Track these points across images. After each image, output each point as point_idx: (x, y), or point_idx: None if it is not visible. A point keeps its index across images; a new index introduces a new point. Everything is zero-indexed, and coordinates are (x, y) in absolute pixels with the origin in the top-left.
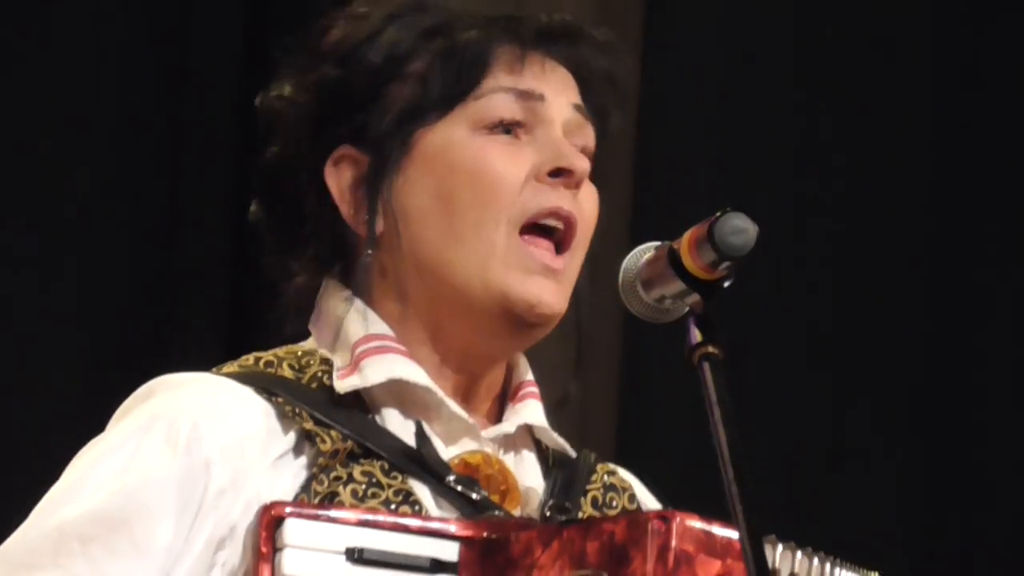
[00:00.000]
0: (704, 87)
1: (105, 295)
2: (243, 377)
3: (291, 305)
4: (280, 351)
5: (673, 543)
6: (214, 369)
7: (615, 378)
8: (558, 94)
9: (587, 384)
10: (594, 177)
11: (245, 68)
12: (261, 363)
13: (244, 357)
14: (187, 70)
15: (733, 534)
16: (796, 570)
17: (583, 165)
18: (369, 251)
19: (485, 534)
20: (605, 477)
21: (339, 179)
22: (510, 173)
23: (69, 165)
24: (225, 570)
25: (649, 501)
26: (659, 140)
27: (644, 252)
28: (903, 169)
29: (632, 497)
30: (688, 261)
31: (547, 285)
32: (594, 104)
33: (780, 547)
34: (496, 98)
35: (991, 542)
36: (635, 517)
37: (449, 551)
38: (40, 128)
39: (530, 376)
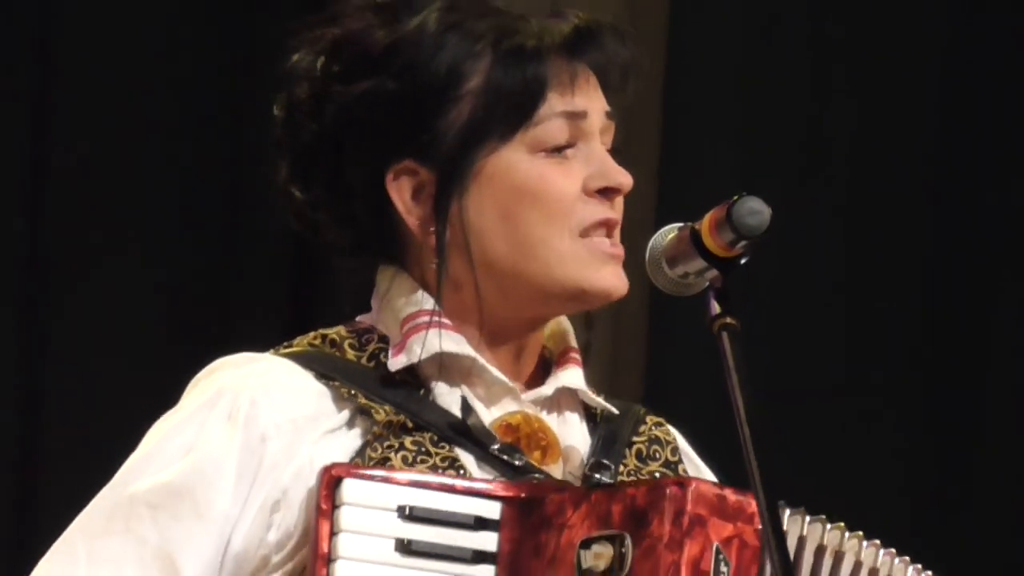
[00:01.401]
0: (725, 80)
1: (179, 276)
2: (304, 359)
3: (350, 289)
4: (343, 329)
5: (688, 507)
6: (284, 345)
7: (643, 348)
8: (595, 105)
9: (617, 354)
10: (621, 160)
11: None
12: (326, 342)
13: (312, 334)
14: (250, 69)
15: (745, 499)
16: (804, 534)
17: (627, 180)
18: (436, 261)
19: (523, 495)
20: (653, 429)
21: (401, 192)
22: (567, 191)
23: (150, 160)
24: (280, 530)
25: (690, 453)
26: (683, 129)
27: (668, 232)
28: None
29: (675, 450)
30: (708, 240)
31: (615, 271)
32: (616, 98)
33: (788, 512)
34: (550, 125)
35: (996, 509)
36: (655, 483)
37: (491, 510)
38: (119, 123)
39: (574, 343)
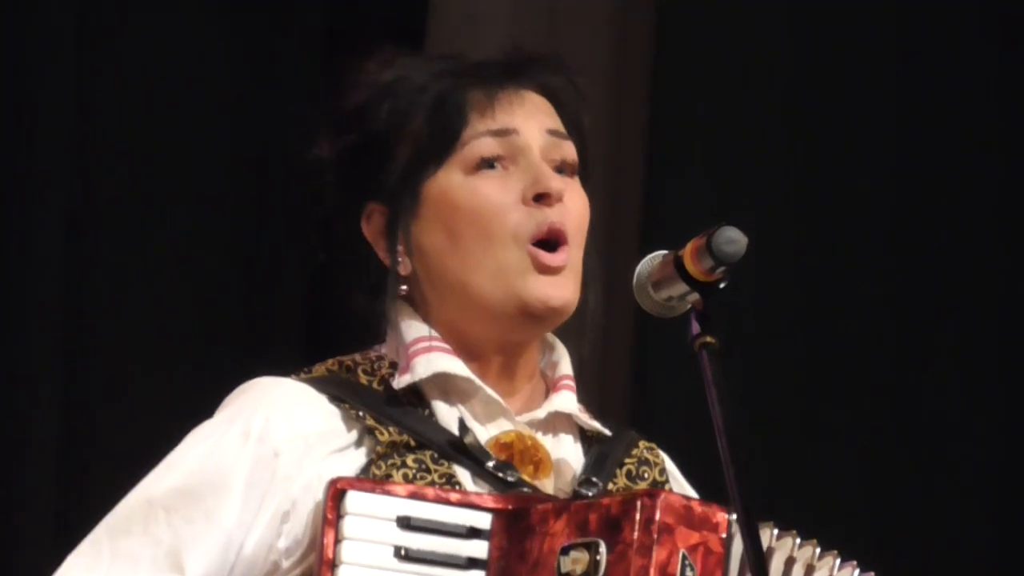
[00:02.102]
0: (704, 119)
1: (210, 295)
2: (319, 383)
3: (361, 320)
4: (359, 356)
5: (657, 516)
6: (303, 371)
7: (628, 366)
8: (529, 123)
9: (605, 373)
10: (584, 180)
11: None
12: (342, 367)
13: (331, 361)
14: (277, 107)
15: (710, 510)
16: (794, 554)
17: (558, 186)
18: (402, 287)
19: (511, 506)
20: (644, 452)
21: (371, 230)
22: (503, 202)
23: (185, 188)
24: (289, 538)
25: (676, 474)
26: (665, 164)
27: (654, 259)
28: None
29: (663, 471)
30: (690, 266)
31: (553, 282)
32: (568, 115)
33: (776, 531)
34: (476, 143)
35: (952, 513)
36: (628, 495)
37: (483, 520)
38: (155, 150)
39: (568, 371)
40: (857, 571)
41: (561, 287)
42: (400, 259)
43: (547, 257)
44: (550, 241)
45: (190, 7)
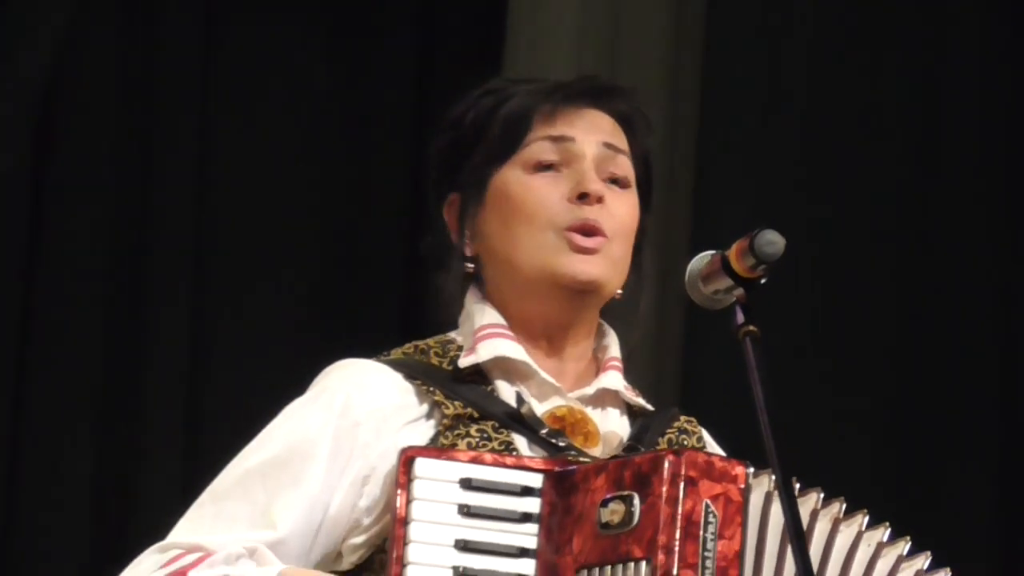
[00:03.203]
0: (745, 140)
1: (315, 291)
2: (395, 364)
3: (444, 304)
4: (432, 340)
5: (682, 471)
6: (384, 353)
7: (680, 352)
8: (588, 135)
9: (660, 358)
10: (645, 199)
11: (419, 117)
12: (416, 350)
13: (408, 345)
14: (370, 124)
15: (729, 464)
16: (817, 508)
17: (598, 188)
18: (468, 265)
19: (559, 468)
20: (684, 424)
21: (450, 216)
22: (549, 197)
23: (292, 200)
24: (369, 498)
25: (713, 444)
26: (713, 177)
27: (703, 258)
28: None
29: (700, 439)
30: (735, 264)
31: (584, 259)
32: (633, 139)
33: (799, 486)
34: (536, 146)
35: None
36: (657, 453)
37: (535, 480)
38: (270, 167)
39: (616, 354)
40: (889, 531)
41: (591, 265)
42: (466, 241)
43: (581, 239)
44: (585, 230)
45: (297, 41)
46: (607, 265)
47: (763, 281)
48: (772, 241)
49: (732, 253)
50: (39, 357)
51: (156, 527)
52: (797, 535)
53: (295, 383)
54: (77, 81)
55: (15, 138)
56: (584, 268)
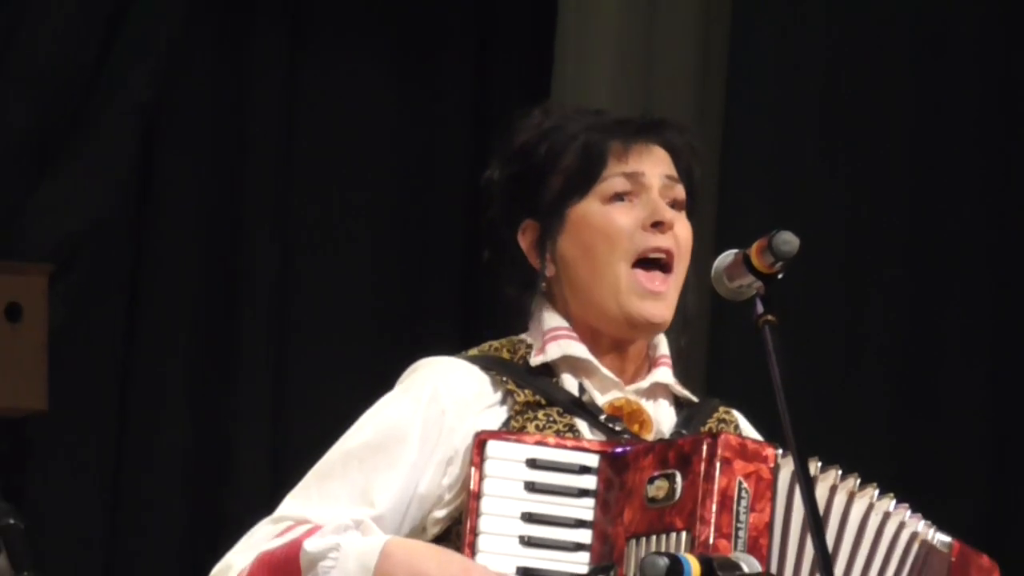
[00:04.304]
0: (762, 156)
1: (387, 294)
2: (474, 359)
3: (512, 312)
4: (504, 340)
5: (718, 452)
6: (462, 352)
7: (706, 338)
8: (654, 168)
9: (688, 344)
10: (691, 213)
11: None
12: (491, 348)
13: (484, 344)
14: (432, 147)
15: (760, 446)
16: (836, 483)
17: (670, 216)
18: (543, 283)
19: (612, 449)
20: (722, 414)
21: (525, 240)
22: (625, 225)
23: (370, 208)
24: (451, 477)
25: (748, 429)
26: (734, 187)
27: (727, 256)
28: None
29: (736, 427)
30: (755, 261)
31: (655, 305)
32: (683, 166)
33: (819, 464)
34: (612, 180)
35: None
36: (698, 437)
37: (591, 460)
38: (350, 177)
39: (666, 351)
40: (894, 501)
41: (661, 308)
42: (547, 264)
43: (654, 283)
44: (659, 259)
45: (368, 69)
46: (672, 302)
47: (780, 276)
48: (788, 241)
49: (753, 251)
50: (142, 352)
51: (246, 506)
52: (812, 511)
53: (368, 380)
54: (175, 109)
55: (124, 158)
56: (655, 312)
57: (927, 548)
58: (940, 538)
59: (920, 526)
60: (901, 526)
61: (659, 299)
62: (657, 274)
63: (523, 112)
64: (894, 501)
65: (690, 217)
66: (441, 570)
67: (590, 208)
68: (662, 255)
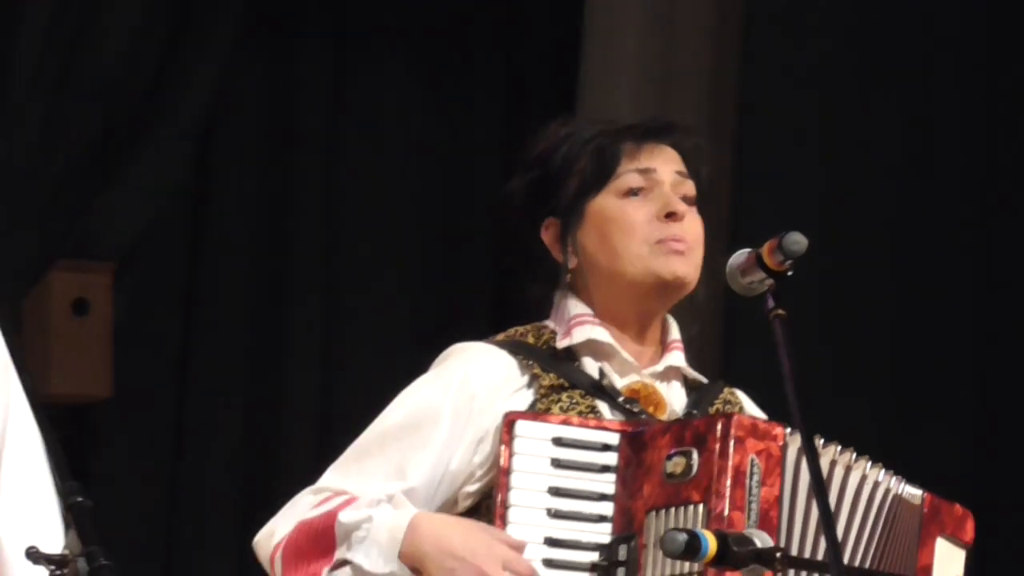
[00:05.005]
0: (773, 157)
1: (425, 291)
2: (501, 344)
3: (536, 301)
4: (530, 327)
5: (731, 431)
6: (489, 338)
7: (721, 331)
8: (665, 165)
9: (703, 337)
10: (702, 208)
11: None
12: (517, 333)
13: (511, 330)
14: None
15: (770, 426)
16: (836, 458)
17: (681, 208)
18: (568, 276)
19: (632, 429)
20: (728, 395)
21: (548, 237)
22: (640, 217)
23: (406, 218)
24: (482, 455)
25: (752, 408)
26: (748, 187)
27: (740, 255)
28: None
29: (741, 409)
30: (767, 260)
31: (678, 259)
32: (692, 165)
33: (822, 441)
34: (626, 176)
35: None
36: (712, 417)
37: (612, 439)
38: (392, 188)
39: (677, 336)
40: (883, 472)
41: (683, 263)
42: (569, 256)
43: (674, 243)
44: (675, 240)
45: (406, 82)
46: (694, 265)
47: (790, 274)
48: (797, 241)
49: (764, 251)
50: (199, 343)
51: (295, 487)
52: (817, 483)
53: (408, 367)
54: (228, 118)
55: (181, 164)
56: (679, 266)
57: (898, 503)
58: (909, 490)
59: (901, 488)
60: (886, 493)
61: (682, 256)
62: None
63: (544, 124)
64: (883, 471)
65: (700, 214)
66: (465, 542)
67: (606, 202)
68: (676, 243)
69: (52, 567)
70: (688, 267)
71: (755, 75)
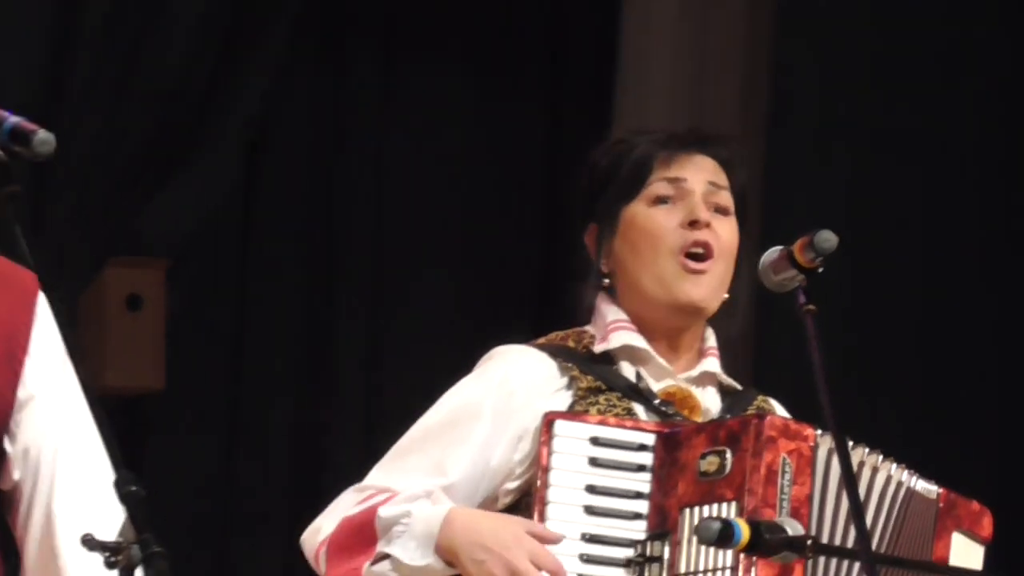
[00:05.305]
0: (800, 167)
1: (468, 293)
2: (542, 346)
3: (581, 305)
4: (571, 331)
5: (764, 431)
6: (531, 341)
7: (753, 327)
8: (697, 175)
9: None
10: (741, 219)
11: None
12: (558, 337)
13: (551, 335)
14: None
15: (801, 427)
16: (864, 459)
17: (706, 216)
18: (605, 280)
19: (667, 429)
20: (761, 402)
21: (589, 242)
22: (667, 226)
23: (452, 221)
24: (522, 452)
25: (782, 414)
26: (780, 191)
27: (772, 252)
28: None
29: (773, 413)
30: (798, 257)
31: (695, 285)
32: (729, 176)
33: (851, 443)
34: (656, 185)
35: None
36: (745, 417)
37: (648, 439)
38: (439, 189)
39: (713, 343)
40: (906, 472)
41: (702, 287)
42: (603, 261)
43: (692, 264)
44: (698, 253)
45: (455, 93)
46: (713, 286)
47: (820, 270)
48: (827, 239)
49: (796, 248)
50: (250, 338)
51: (343, 483)
52: (847, 475)
53: (453, 369)
54: (278, 121)
55: (233, 165)
56: (696, 292)
57: (911, 496)
58: (924, 485)
59: (915, 482)
60: (909, 493)
61: (699, 279)
62: (696, 262)
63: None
64: (906, 471)
65: (741, 222)
66: (495, 534)
67: (637, 210)
68: (700, 249)
69: (107, 554)
70: (704, 291)
71: (786, 82)
